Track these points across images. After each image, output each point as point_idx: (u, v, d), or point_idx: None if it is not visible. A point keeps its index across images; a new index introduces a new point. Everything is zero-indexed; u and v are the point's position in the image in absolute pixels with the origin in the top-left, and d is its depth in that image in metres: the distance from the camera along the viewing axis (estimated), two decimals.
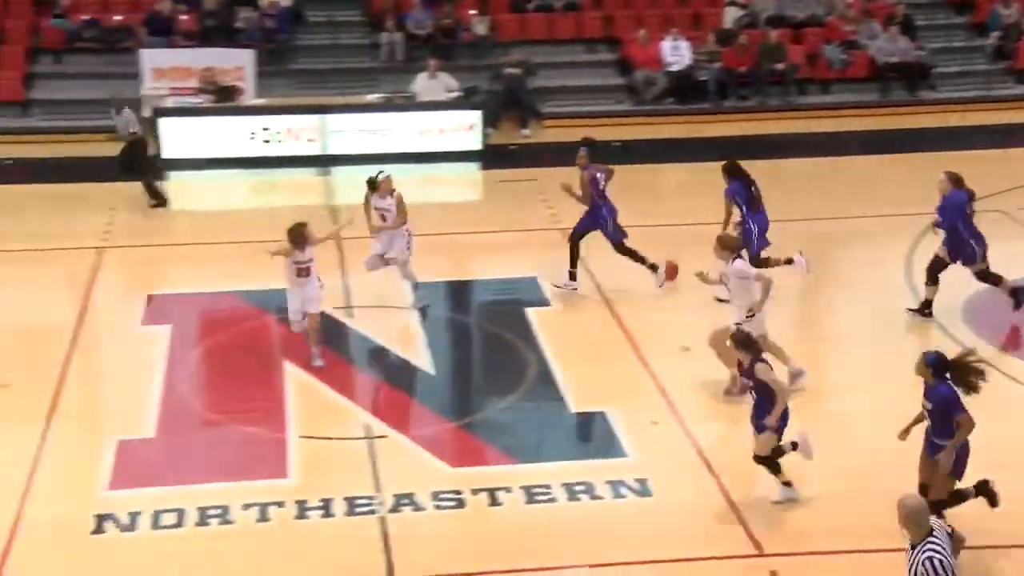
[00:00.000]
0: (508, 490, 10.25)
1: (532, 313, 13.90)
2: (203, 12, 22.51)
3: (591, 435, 11.58)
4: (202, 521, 9.83)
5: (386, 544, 9.52)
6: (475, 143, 20.51)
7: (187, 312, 14.07)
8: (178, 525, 9.77)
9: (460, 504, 10.05)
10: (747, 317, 11.30)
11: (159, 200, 17.65)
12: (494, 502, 10.13)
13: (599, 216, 14.11)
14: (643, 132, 21.69)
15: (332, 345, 13.12)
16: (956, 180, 13.20)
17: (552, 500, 10.08)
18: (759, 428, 9.65)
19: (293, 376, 12.41)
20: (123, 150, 17.66)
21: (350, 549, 9.52)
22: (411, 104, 20.68)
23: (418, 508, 9.98)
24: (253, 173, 19.61)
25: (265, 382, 12.40)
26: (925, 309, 13.47)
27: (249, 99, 20.84)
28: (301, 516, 9.95)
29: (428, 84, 20.90)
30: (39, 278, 15.24)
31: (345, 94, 21.28)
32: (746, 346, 9.71)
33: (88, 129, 20.69)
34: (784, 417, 9.60)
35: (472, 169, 20.41)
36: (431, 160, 20.10)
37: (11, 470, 10.45)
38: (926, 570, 6.87)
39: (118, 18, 22.34)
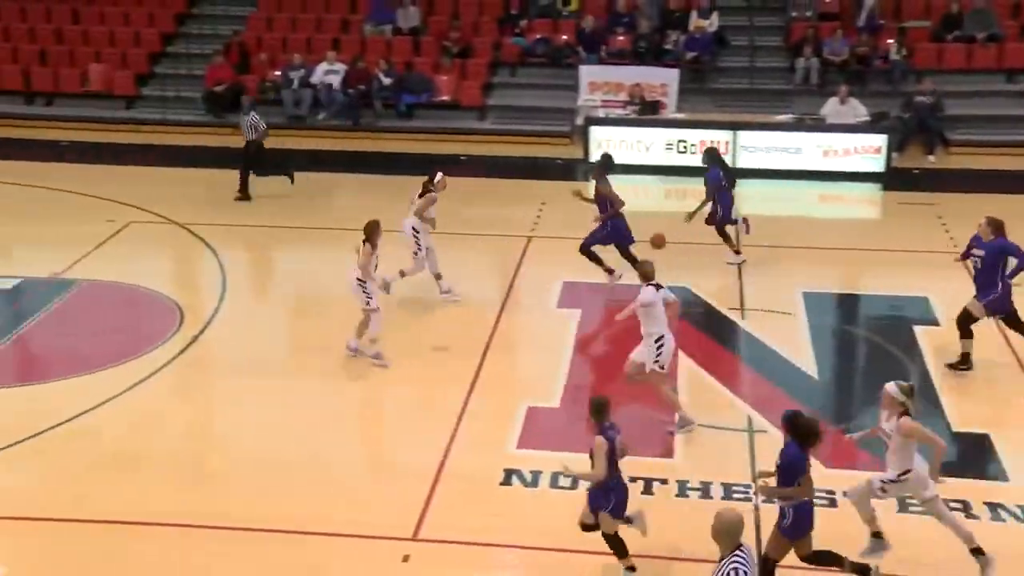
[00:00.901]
0: None
1: (920, 331, 13.07)
2: (638, 34, 22.87)
3: (972, 455, 10.69)
4: None
5: (758, 530, 9.26)
6: (879, 165, 19.55)
7: (595, 299, 14.35)
8: (573, 488, 9.98)
9: (832, 503, 9.61)
10: (656, 344, 10.63)
11: (245, 194, 17.89)
12: None
13: (601, 226, 14.11)
14: None
15: (723, 342, 12.96)
16: (997, 227, 11.70)
17: (924, 512, 9.41)
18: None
19: (685, 366, 12.35)
20: (247, 146, 17.96)
21: None
22: (820, 125, 20.00)
23: None
24: (668, 180, 19.71)
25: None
26: (962, 365, 11.89)
27: (670, 113, 20.97)
28: (681, 494, 9.91)
29: (838, 108, 20.12)
30: (478, 259, 16.05)
31: (758, 113, 20.90)
32: (596, 413, 8.63)
33: (534, 133, 21.57)
34: (606, 493, 8.56)
35: (874, 190, 19.45)
36: (833, 179, 19.39)
37: (440, 423, 11.10)
38: None
39: (564, 37, 23.15)
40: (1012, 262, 11.76)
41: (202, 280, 15.05)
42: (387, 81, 22.26)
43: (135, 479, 10.19)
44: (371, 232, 12.13)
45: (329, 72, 22.35)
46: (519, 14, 23.77)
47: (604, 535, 8.69)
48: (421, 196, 13.72)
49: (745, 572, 6.67)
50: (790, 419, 8.13)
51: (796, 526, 8.17)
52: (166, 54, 24.10)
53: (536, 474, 10.19)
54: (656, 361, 10.83)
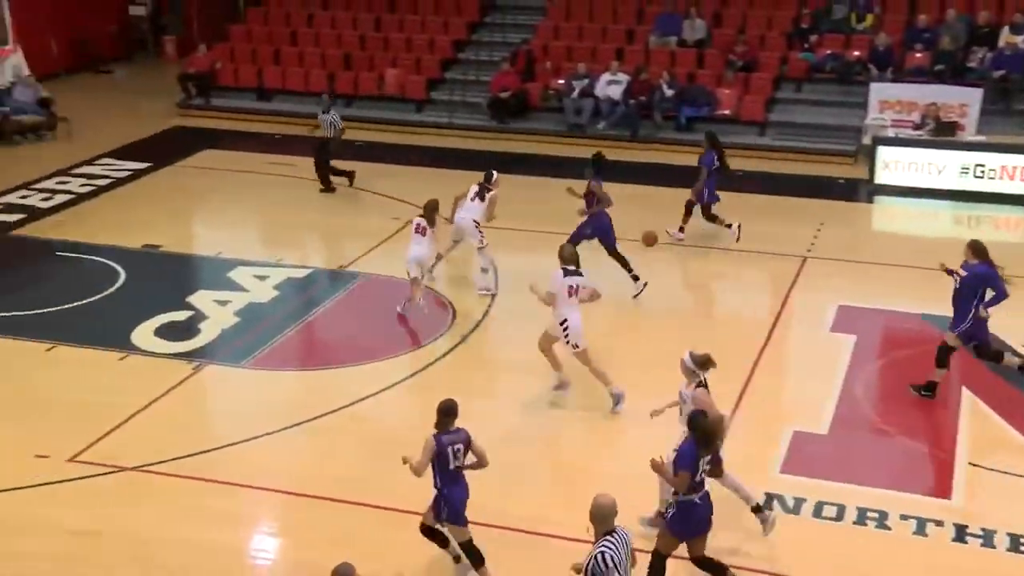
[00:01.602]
0: None
1: None
2: (938, 51, 21.64)
3: None
4: (860, 520, 9.55)
5: None
6: None
7: (873, 325, 13.68)
8: (837, 519, 9.60)
9: None
10: (562, 327, 11.10)
11: (328, 186, 18.95)
12: None
13: (586, 223, 14.28)
14: None
15: (1013, 380, 12.03)
16: (980, 251, 11.21)
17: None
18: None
19: (969, 402, 11.56)
20: (321, 144, 18.86)
21: None
22: None
23: None
24: (961, 206, 18.54)
25: (940, 403, 11.68)
26: (925, 390, 11.56)
27: (968, 135, 19.73)
28: (959, 539, 9.27)
29: None
30: (750, 277, 15.65)
31: None
32: (439, 414, 8.57)
33: (815, 151, 20.86)
34: (451, 505, 8.52)
35: None
36: None
37: None
38: (597, 563, 6.87)
39: (856, 54, 22.25)
40: (991, 292, 11.13)
41: (475, 280, 15.41)
42: (669, 92, 22.11)
43: (402, 469, 10.51)
44: (434, 211, 13.33)
45: (611, 82, 22.45)
46: (809, 29, 23.07)
47: (460, 544, 8.73)
48: (479, 197, 14.47)
49: (611, 556, 6.87)
50: (694, 418, 8.28)
51: (679, 522, 8.22)
52: (457, 60, 24.95)
53: (799, 501, 9.80)
54: (567, 341, 11.26)
